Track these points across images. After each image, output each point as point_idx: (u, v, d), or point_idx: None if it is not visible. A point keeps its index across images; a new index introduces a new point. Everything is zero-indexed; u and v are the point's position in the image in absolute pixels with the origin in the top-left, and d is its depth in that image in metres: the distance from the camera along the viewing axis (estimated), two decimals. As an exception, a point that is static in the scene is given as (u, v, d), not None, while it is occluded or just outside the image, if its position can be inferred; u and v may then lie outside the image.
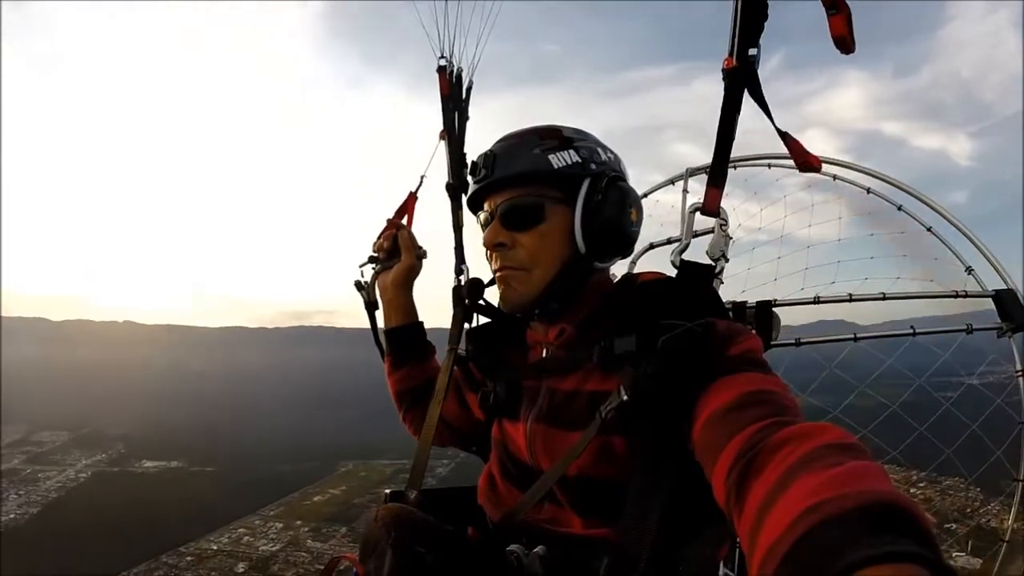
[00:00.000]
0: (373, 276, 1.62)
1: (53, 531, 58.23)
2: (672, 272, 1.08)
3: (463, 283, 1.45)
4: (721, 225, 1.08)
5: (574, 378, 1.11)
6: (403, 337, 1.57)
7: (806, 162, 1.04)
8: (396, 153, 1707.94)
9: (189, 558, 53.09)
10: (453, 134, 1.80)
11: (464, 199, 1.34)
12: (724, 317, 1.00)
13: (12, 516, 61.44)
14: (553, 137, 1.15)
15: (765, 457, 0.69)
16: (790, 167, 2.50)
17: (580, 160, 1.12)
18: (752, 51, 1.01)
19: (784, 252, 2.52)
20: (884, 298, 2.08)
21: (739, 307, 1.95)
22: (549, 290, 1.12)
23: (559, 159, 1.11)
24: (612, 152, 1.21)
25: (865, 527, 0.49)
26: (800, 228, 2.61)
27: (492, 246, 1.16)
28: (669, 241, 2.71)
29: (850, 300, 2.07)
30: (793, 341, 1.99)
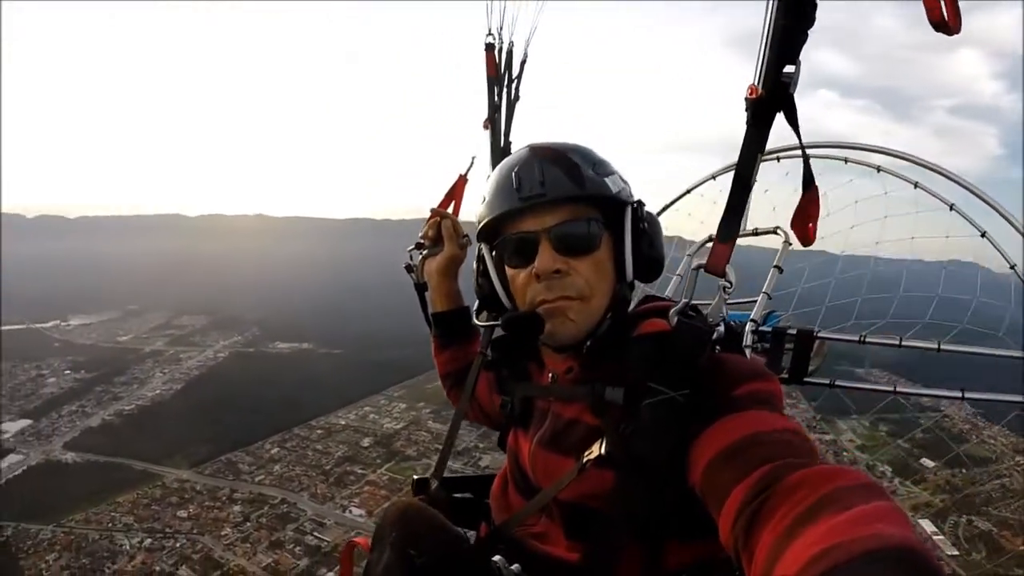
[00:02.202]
0: (420, 261, 2.05)
1: (195, 404, 76.53)
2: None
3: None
4: (724, 288, 1.23)
5: (576, 407, 1.39)
6: (447, 322, 2.01)
7: None
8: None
9: (319, 431, 68.10)
10: (498, 123, 2.26)
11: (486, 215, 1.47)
12: (722, 366, 1.20)
13: (158, 391, 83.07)
14: (595, 158, 1.38)
15: (777, 501, 0.85)
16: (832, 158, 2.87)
17: (624, 186, 1.40)
18: (788, 69, 1.11)
19: (823, 259, 3.05)
20: (939, 350, 2.26)
21: (779, 334, 2.32)
22: (602, 322, 1.37)
23: (614, 183, 1.36)
24: None
25: (875, 573, 0.60)
26: (837, 230, 2.91)
27: (548, 274, 1.32)
28: (710, 238, 3.05)
29: (899, 346, 2.29)
30: (827, 382, 2.34)
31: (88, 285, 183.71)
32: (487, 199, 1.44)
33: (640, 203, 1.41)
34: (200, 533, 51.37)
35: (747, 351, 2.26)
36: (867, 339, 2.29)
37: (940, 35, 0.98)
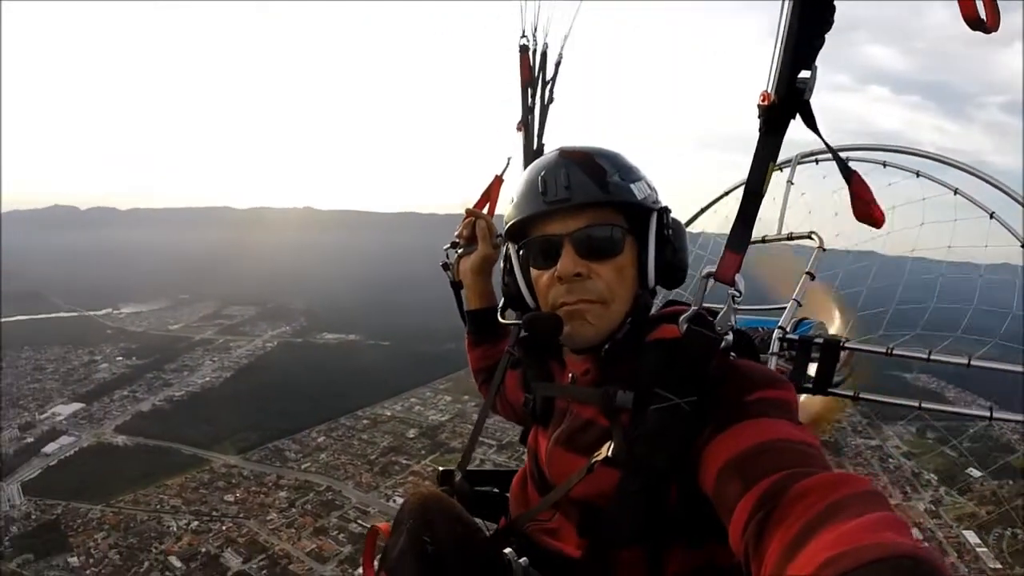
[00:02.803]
0: (455, 260, 2.25)
1: (244, 392, 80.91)
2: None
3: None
4: (734, 297, 1.27)
5: (592, 408, 1.49)
6: (480, 319, 2.19)
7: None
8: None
9: (365, 421, 71.53)
10: (531, 125, 2.40)
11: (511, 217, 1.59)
12: (734, 372, 1.28)
13: (208, 379, 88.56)
14: (622, 164, 1.47)
15: (786, 508, 0.91)
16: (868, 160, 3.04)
17: (650, 192, 1.48)
18: (804, 75, 1.13)
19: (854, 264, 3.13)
20: (968, 365, 2.34)
21: (805, 343, 2.42)
22: (622, 326, 1.45)
23: (639, 189, 1.45)
24: None
25: None
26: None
27: (570, 276, 1.41)
28: (764, 240, 3.14)
29: (928, 360, 2.37)
30: (852, 394, 2.41)
31: (139, 275, 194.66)
32: (515, 201, 1.55)
33: (666, 210, 1.49)
34: (246, 517, 54.18)
35: (773, 359, 2.41)
36: (894, 351, 2.36)
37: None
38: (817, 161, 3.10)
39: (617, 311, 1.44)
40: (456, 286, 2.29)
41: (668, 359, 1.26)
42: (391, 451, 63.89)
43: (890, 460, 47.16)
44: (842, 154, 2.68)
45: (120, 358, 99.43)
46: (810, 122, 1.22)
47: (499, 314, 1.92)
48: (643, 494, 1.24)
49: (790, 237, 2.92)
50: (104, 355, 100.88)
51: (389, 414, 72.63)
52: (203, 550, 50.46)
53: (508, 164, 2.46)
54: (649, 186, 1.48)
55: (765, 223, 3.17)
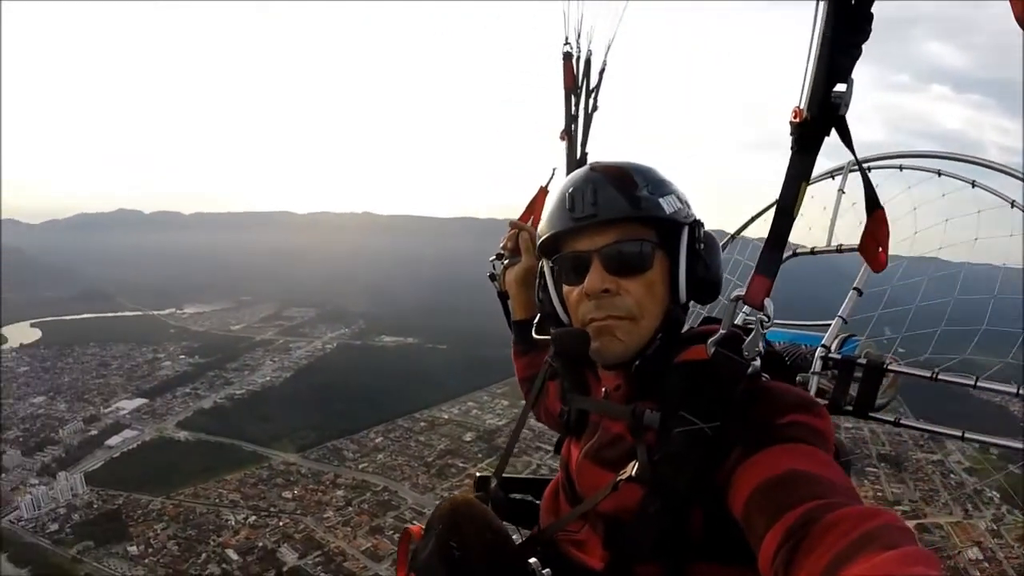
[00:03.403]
0: (501, 271, 2.33)
1: (303, 392, 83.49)
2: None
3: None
4: (763, 322, 1.27)
5: (621, 424, 1.52)
6: (525, 329, 2.21)
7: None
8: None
9: (423, 423, 73.30)
10: (575, 135, 2.48)
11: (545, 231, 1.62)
12: (766, 395, 1.29)
13: (268, 378, 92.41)
14: (653, 178, 1.48)
15: (817, 538, 0.95)
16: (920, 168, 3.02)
17: (681, 206, 1.49)
18: (839, 88, 1.13)
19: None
20: (1018, 395, 2.32)
21: (847, 363, 2.39)
22: (651, 343, 1.47)
23: (669, 204, 1.46)
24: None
25: None
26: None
27: (597, 293, 1.44)
28: (813, 252, 3.15)
29: (975, 387, 2.34)
30: (892, 420, 2.42)
31: (202, 276, 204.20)
32: (545, 216, 1.60)
33: (698, 223, 1.50)
34: (303, 514, 56.39)
35: (813, 379, 2.40)
36: (939, 376, 2.32)
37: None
38: (869, 168, 2.94)
39: (647, 327, 1.47)
40: (503, 296, 2.38)
41: (694, 382, 1.31)
42: (448, 454, 65.25)
43: (952, 476, 46.17)
44: (890, 162, 2.99)
45: (183, 356, 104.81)
46: (846, 140, 1.23)
47: (534, 329, 2.06)
48: (664, 514, 1.30)
49: (839, 249, 2.86)
50: (167, 353, 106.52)
51: (446, 417, 74.33)
52: (260, 544, 52.76)
53: (553, 175, 2.51)
54: (680, 199, 1.49)
55: (816, 232, 3.19)
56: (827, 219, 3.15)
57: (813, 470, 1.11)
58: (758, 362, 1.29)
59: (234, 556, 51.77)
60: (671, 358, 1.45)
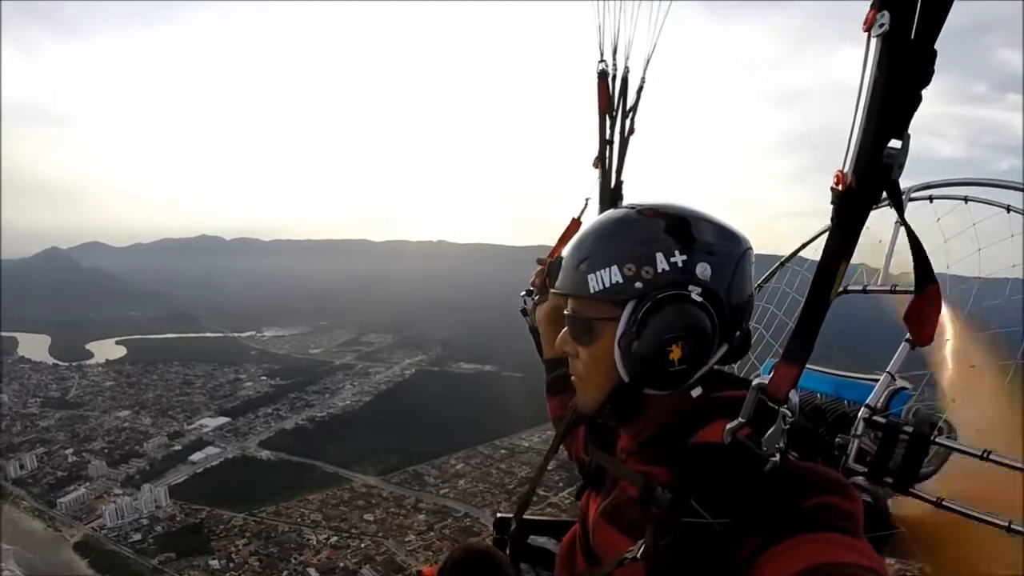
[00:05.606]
0: (532, 307, 2.37)
1: (383, 416, 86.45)
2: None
3: None
4: (784, 417, 1.18)
5: (636, 489, 1.48)
6: (555, 368, 2.26)
7: None
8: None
9: (503, 451, 74.88)
10: (608, 160, 2.44)
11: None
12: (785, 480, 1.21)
13: (348, 402, 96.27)
14: (603, 245, 1.42)
15: None
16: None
17: (621, 280, 1.37)
18: (894, 145, 1.00)
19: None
20: None
21: (892, 428, 2.16)
22: (602, 409, 1.50)
23: (597, 280, 1.39)
24: (705, 242, 1.38)
25: None
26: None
27: (560, 352, 1.58)
28: (865, 290, 2.78)
29: None
30: (934, 500, 2.11)
31: (281, 301, 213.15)
32: None
33: (650, 300, 1.34)
34: (384, 537, 58.39)
35: (854, 441, 2.20)
36: (991, 456, 2.07)
37: None
38: (932, 199, 2.75)
39: (593, 395, 1.50)
40: (534, 332, 2.40)
41: (706, 471, 1.26)
42: (529, 482, 65.71)
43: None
44: (960, 190, 2.69)
45: (264, 378, 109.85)
46: (898, 207, 1.12)
47: (546, 374, 2.20)
48: None
49: (893, 290, 2.60)
50: (249, 374, 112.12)
51: (527, 444, 75.46)
52: (341, 565, 54.84)
53: (586, 205, 2.45)
54: (625, 271, 1.37)
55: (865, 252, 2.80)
56: (881, 254, 2.83)
57: (839, 559, 1.06)
58: (777, 458, 1.21)
59: (315, 575, 53.86)
60: (689, 431, 1.41)
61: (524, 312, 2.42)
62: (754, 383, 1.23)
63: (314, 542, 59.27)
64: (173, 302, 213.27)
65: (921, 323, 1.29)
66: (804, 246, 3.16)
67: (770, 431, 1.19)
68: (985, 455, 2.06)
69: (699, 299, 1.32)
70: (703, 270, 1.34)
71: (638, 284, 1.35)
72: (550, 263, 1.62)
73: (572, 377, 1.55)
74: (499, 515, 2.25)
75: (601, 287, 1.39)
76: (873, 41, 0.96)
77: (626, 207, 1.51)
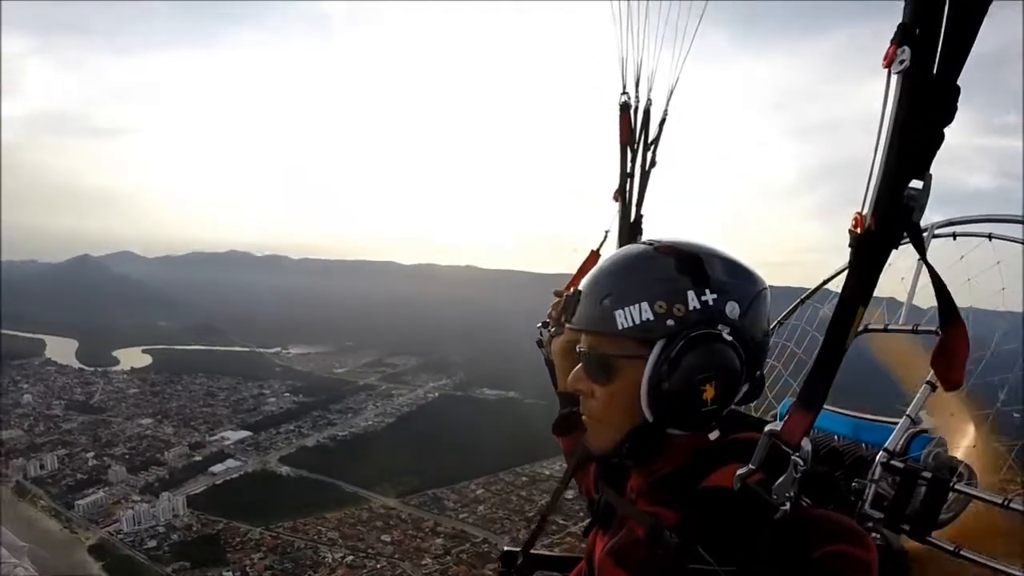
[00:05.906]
0: (548, 339, 2.35)
1: (405, 439, 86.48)
2: None
3: None
4: (796, 465, 1.15)
5: (643, 530, 1.46)
6: (569, 401, 2.14)
7: None
8: None
9: (524, 478, 74.53)
10: (629, 192, 2.41)
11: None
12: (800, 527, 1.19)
13: (370, 422, 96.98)
14: (630, 281, 1.40)
15: None
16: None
17: (652, 317, 1.34)
18: (915, 185, 0.97)
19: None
20: None
21: (910, 474, 2.11)
22: (619, 450, 1.46)
23: (626, 317, 1.36)
24: (731, 281, 1.38)
25: None
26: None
27: (574, 390, 1.54)
28: (886, 329, 2.64)
29: None
30: (952, 549, 2.05)
31: (308, 319, 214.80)
32: None
33: (682, 339, 1.33)
34: (401, 559, 58.43)
35: (871, 486, 2.16)
36: (1011, 504, 2.05)
37: None
38: (955, 236, 2.70)
39: (610, 435, 1.46)
40: (549, 364, 2.36)
41: (715, 517, 1.26)
42: (540, 515, 65.71)
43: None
44: (984, 227, 2.64)
45: (287, 394, 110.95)
46: (920, 249, 1.09)
47: (560, 407, 2.21)
48: None
49: (915, 329, 2.51)
50: (272, 390, 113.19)
51: (548, 473, 74.85)
52: (356, 583, 53.68)
53: (605, 238, 2.45)
54: (656, 308, 1.35)
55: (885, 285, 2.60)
56: (904, 288, 2.74)
57: None
58: (788, 507, 1.19)
59: (330, 593, 52.87)
60: (700, 473, 1.39)
61: (540, 344, 2.41)
62: (766, 429, 1.21)
63: (330, 560, 59.55)
64: (200, 314, 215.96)
65: (948, 366, 1.21)
66: (823, 284, 3.14)
67: (781, 479, 1.17)
68: (1006, 503, 2.05)
69: (729, 338, 1.32)
70: (732, 309, 1.35)
71: (670, 322, 1.34)
72: (566, 296, 1.64)
73: (584, 417, 1.53)
74: (506, 549, 2.25)
75: (630, 324, 1.36)
76: (894, 78, 0.93)
77: (645, 243, 1.50)
